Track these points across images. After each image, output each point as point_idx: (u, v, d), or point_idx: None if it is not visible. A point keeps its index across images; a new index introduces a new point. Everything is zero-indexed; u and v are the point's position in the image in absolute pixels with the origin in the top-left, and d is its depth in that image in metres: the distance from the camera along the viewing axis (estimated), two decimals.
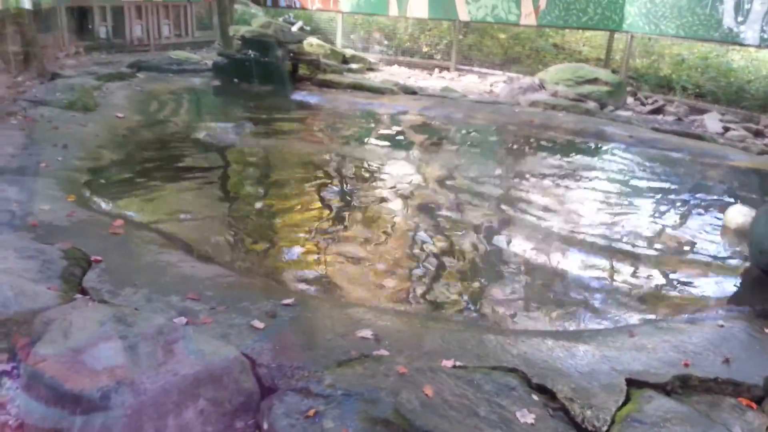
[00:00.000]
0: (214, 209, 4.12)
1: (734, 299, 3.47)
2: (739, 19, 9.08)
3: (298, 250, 3.62)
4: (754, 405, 2.34)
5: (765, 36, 8.83)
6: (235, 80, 8.25)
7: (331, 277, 3.29)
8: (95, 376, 2.01)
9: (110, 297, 2.61)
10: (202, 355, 2.14)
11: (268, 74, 8.18)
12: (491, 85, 10.41)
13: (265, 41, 8.34)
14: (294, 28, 11.06)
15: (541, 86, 9.60)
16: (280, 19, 11.98)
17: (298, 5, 11.50)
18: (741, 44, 9.54)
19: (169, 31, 11.30)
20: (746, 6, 8.97)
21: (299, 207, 4.34)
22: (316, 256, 3.54)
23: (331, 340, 2.42)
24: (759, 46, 9.21)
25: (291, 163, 5.32)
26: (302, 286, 3.16)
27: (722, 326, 2.84)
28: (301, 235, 3.87)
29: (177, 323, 2.43)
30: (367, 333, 2.49)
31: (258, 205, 4.30)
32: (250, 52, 8.30)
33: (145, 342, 2.20)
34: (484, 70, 11.46)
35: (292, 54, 8.69)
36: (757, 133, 7.92)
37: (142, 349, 2.16)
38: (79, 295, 2.63)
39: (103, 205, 3.98)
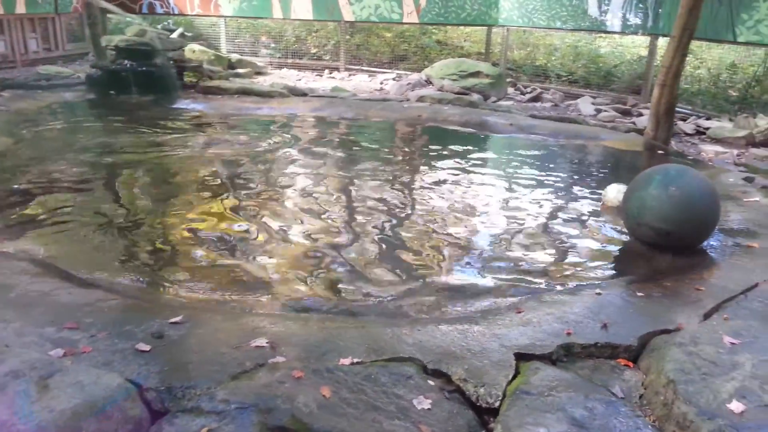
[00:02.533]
0: (93, 230, 3.86)
1: (613, 269, 3.73)
2: (603, 8, 9.81)
3: (187, 264, 3.47)
4: (630, 364, 2.53)
5: (627, 23, 9.60)
6: (112, 92, 7.82)
7: (223, 289, 3.19)
8: None
9: None
10: (81, 387, 2.00)
11: (147, 84, 7.82)
12: (381, 83, 10.57)
13: (142, 50, 7.99)
14: (174, 35, 10.68)
15: (428, 81, 9.88)
16: (159, 26, 11.50)
17: (176, 11, 11.07)
18: (606, 32, 10.32)
19: (37, 46, 10.52)
20: None
21: (185, 221, 4.17)
22: (206, 269, 3.42)
23: (225, 353, 2.35)
24: (623, 33, 10.00)
25: (174, 176, 5.11)
26: (193, 301, 3.04)
27: (600, 294, 3.04)
28: (190, 249, 3.72)
29: (53, 356, 2.26)
30: (262, 341, 2.44)
31: (141, 222, 4.09)
32: (126, 62, 7.90)
33: (15, 381, 2.03)
34: (373, 69, 11.61)
35: (172, 62, 8.36)
36: (625, 113, 8.58)
37: (12, 388, 2.00)
38: None
39: None
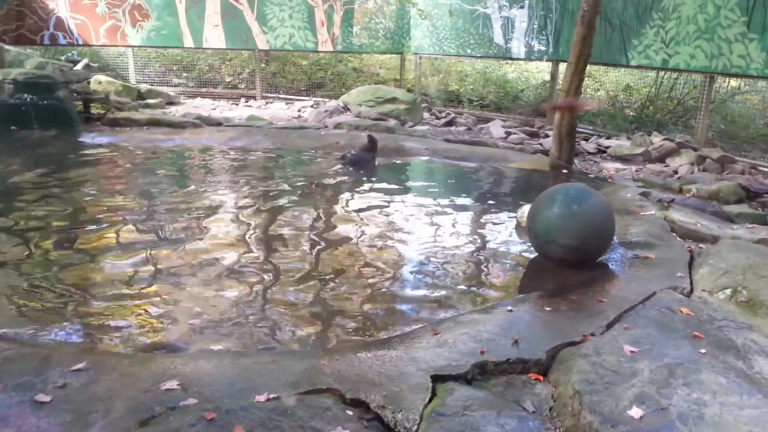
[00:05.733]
0: None
1: (523, 286, 3.88)
2: (508, 36, 10.32)
3: (90, 309, 3.30)
4: (541, 377, 2.63)
5: (531, 50, 10.15)
6: (12, 128, 7.39)
7: (132, 331, 3.06)
8: None
9: None
10: None
11: (50, 118, 7.45)
12: (299, 111, 10.58)
13: (43, 82, 7.63)
14: (78, 67, 10.28)
15: (346, 108, 9.99)
16: (62, 57, 11.03)
17: (80, 42, 10.64)
18: (512, 58, 10.85)
19: None
20: (511, 25, 10.23)
21: (87, 264, 3.95)
22: (112, 313, 3.26)
23: (132, 398, 2.24)
24: (527, 59, 10.55)
25: (75, 216, 4.86)
26: (99, 345, 2.89)
27: (511, 311, 3.15)
28: (93, 293, 3.53)
29: None
30: (172, 384, 2.35)
31: (37, 267, 3.85)
32: (25, 95, 7.50)
33: None
34: (290, 97, 11.62)
35: (76, 94, 8.02)
36: (533, 135, 9.02)
37: None
38: None
39: None
